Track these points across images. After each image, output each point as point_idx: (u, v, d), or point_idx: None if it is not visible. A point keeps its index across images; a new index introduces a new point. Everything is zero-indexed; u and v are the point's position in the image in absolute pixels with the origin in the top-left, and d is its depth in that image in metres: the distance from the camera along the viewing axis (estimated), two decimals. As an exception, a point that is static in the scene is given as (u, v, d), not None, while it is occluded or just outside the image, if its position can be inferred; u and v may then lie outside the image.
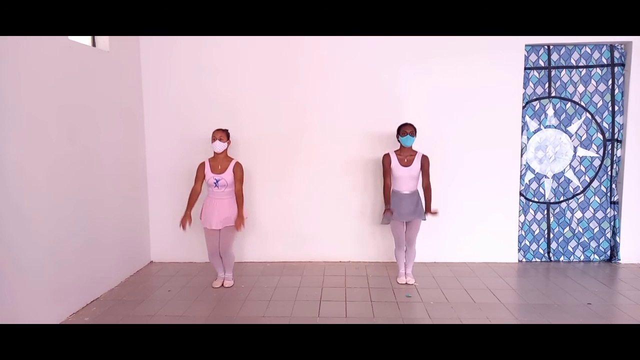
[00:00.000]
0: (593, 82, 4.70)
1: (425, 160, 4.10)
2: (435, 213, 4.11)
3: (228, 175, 3.97)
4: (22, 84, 3.08)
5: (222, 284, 4.20)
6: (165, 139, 4.83)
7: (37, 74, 3.23)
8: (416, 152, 4.11)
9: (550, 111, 4.77)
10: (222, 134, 3.98)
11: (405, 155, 4.08)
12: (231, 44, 4.70)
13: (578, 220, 4.87)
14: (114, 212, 4.21)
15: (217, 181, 3.95)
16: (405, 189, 4.08)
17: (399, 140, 4.10)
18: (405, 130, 4.03)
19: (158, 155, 4.85)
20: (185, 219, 3.97)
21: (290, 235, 4.93)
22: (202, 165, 4.05)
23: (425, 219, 4.13)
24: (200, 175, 4.04)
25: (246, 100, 4.75)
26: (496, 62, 4.62)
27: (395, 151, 4.14)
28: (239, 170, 4.02)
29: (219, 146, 3.96)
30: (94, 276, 3.90)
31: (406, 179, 4.06)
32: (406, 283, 4.21)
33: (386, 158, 4.14)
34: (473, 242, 4.84)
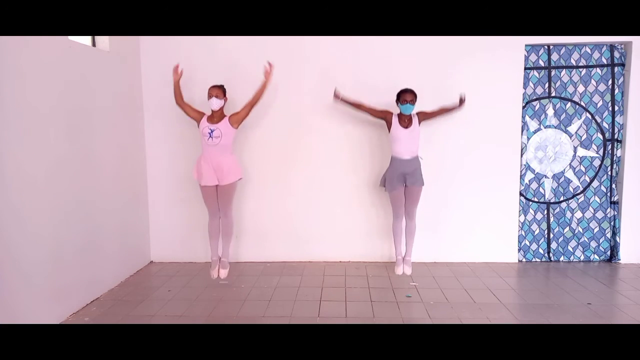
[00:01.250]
0: (593, 82, 4.70)
1: (420, 114, 4.08)
2: (462, 100, 4.15)
3: (223, 125, 3.88)
4: (21, 84, 3.08)
5: (219, 274, 4.16)
6: (165, 139, 4.83)
7: (36, 74, 3.22)
8: (413, 115, 4.10)
9: (550, 111, 4.77)
10: (219, 91, 3.90)
11: (405, 118, 4.07)
12: (231, 44, 4.70)
13: (578, 220, 4.87)
14: (114, 212, 4.21)
15: (211, 131, 3.84)
16: (406, 154, 4.02)
17: (398, 107, 4.07)
18: (405, 98, 3.97)
19: (158, 155, 4.85)
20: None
21: (290, 235, 4.92)
22: (202, 114, 3.99)
23: (423, 184, 4.10)
24: (195, 112, 3.98)
25: (246, 100, 4.74)
26: (496, 61, 4.62)
27: (397, 114, 4.12)
28: (236, 112, 3.97)
29: (216, 103, 3.88)
30: (94, 276, 3.90)
31: (407, 140, 4.00)
32: (403, 273, 4.19)
33: (389, 114, 4.12)
34: (473, 242, 4.84)
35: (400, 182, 4.02)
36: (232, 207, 4.13)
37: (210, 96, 3.89)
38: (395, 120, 4.06)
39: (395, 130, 4.02)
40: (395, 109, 4.23)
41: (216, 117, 3.95)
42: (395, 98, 4.14)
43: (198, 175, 3.97)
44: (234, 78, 4.73)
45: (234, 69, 4.73)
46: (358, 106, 4.24)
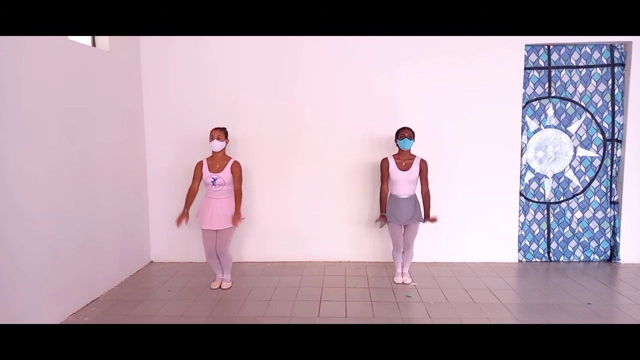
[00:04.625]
0: (593, 82, 4.70)
1: (424, 165, 4.10)
2: (434, 220, 4.10)
3: (225, 174, 3.96)
4: (22, 83, 3.08)
5: (220, 286, 4.19)
6: (165, 139, 4.83)
7: (37, 74, 3.22)
8: (415, 156, 4.11)
9: (550, 111, 4.77)
10: (220, 133, 3.97)
11: (404, 159, 4.08)
12: (231, 44, 4.70)
13: (578, 220, 4.86)
14: (113, 212, 4.21)
15: (214, 180, 3.93)
16: (403, 193, 4.08)
17: (397, 144, 4.10)
18: (404, 133, 4.03)
19: (158, 155, 4.85)
20: (182, 217, 3.95)
21: (290, 235, 4.92)
22: (200, 164, 4.05)
23: (423, 222, 4.14)
24: (197, 174, 4.03)
25: (246, 100, 4.75)
26: (496, 61, 4.62)
27: (393, 155, 4.14)
28: (237, 169, 4.01)
29: (217, 145, 3.95)
30: (94, 276, 3.90)
31: (404, 182, 4.06)
32: (403, 282, 4.22)
33: (384, 162, 4.14)
34: (473, 242, 4.84)
35: (399, 220, 4.08)
36: (230, 247, 4.13)
37: (212, 138, 3.94)
38: (392, 163, 4.09)
39: (394, 174, 4.07)
40: (388, 152, 4.38)
41: (218, 162, 3.98)
42: (394, 137, 4.19)
43: (200, 218, 4.02)
44: (234, 78, 4.75)
45: (234, 68, 4.73)
46: (385, 200, 4.17)
